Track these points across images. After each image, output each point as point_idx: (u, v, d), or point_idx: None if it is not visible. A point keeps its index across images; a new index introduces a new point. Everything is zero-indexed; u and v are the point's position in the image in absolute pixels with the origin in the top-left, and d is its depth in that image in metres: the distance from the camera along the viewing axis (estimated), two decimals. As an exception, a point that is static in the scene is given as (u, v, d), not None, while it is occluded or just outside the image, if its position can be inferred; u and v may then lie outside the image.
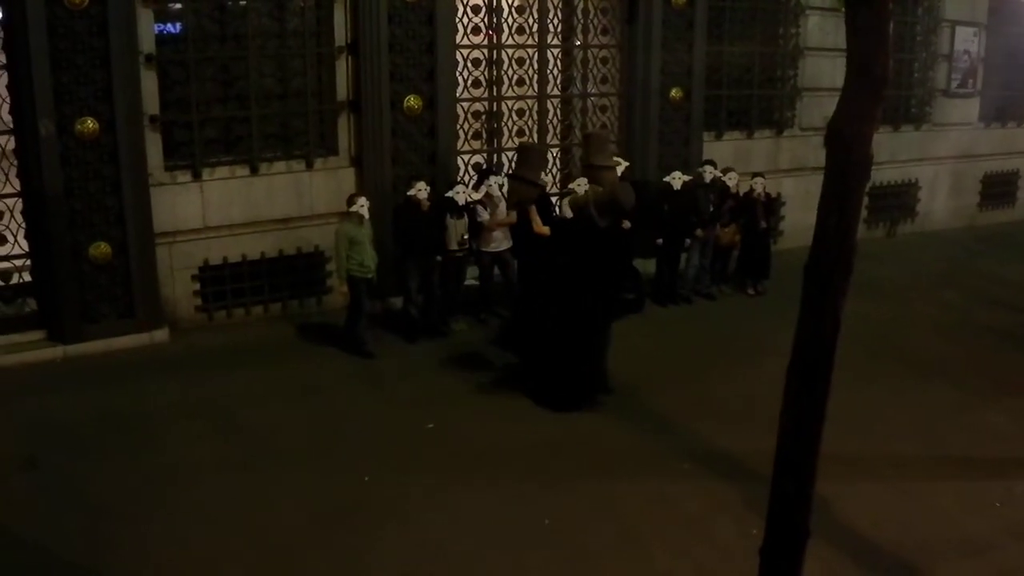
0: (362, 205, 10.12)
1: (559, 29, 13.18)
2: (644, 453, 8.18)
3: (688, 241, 12.39)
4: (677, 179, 12.08)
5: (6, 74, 9.67)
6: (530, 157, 11.58)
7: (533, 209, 11.14)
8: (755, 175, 12.82)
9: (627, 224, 11.11)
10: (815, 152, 14.45)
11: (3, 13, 9.54)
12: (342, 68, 11.41)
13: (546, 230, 10.96)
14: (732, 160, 13.56)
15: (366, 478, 7.63)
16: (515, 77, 12.81)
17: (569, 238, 9.49)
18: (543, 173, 12.02)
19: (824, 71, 14.98)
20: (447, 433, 8.52)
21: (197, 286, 11.07)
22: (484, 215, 11.03)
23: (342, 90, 11.46)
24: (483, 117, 12.83)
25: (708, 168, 12.44)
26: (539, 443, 8.32)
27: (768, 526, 4.94)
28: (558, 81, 13.37)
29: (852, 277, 4.48)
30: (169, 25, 10.76)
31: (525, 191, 11.29)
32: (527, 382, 9.39)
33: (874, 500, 7.35)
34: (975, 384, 9.87)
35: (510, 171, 11.93)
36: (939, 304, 12.89)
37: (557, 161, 13.55)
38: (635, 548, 6.74)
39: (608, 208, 9.02)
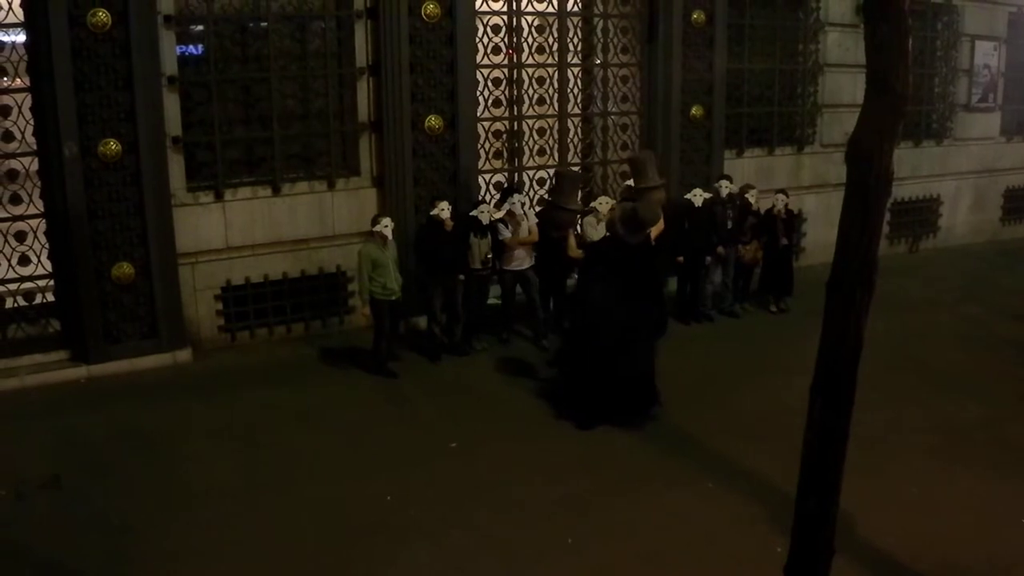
0: (386, 225, 10.11)
1: (579, 48, 13.20)
2: (667, 471, 8.13)
3: (708, 259, 12.37)
4: (698, 196, 12.08)
5: (30, 96, 9.76)
6: (564, 184, 11.57)
7: (571, 232, 11.17)
8: (777, 191, 12.81)
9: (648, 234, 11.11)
10: (836, 168, 14.51)
11: (27, 36, 9.64)
12: (363, 89, 11.46)
13: (579, 253, 10.99)
14: (754, 177, 13.56)
15: (388, 497, 7.62)
16: (535, 96, 12.81)
17: (602, 258, 9.47)
18: (578, 197, 12.03)
19: (844, 87, 15.00)
20: (470, 452, 8.51)
21: (220, 306, 11.11)
22: (506, 233, 11.03)
23: (363, 111, 11.51)
24: (504, 136, 12.84)
25: (724, 183, 12.41)
26: (562, 461, 8.30)
27: (792, 544, 4.93)
28: (578, 100, 13.39)
29: (874, 293, 4.48)
30: (191, 47, 10.85)
31: (563, 217, 11.33)
32: (561, 399, 9.41)
33: (898, 517, 7.28)
34: (1000, 398, 9.79)
35: (547, 197, 12.03)
36: (962, 319, 12.83)
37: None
38: (658, 566, 6.69)
39: (633, 225, 8.99)
